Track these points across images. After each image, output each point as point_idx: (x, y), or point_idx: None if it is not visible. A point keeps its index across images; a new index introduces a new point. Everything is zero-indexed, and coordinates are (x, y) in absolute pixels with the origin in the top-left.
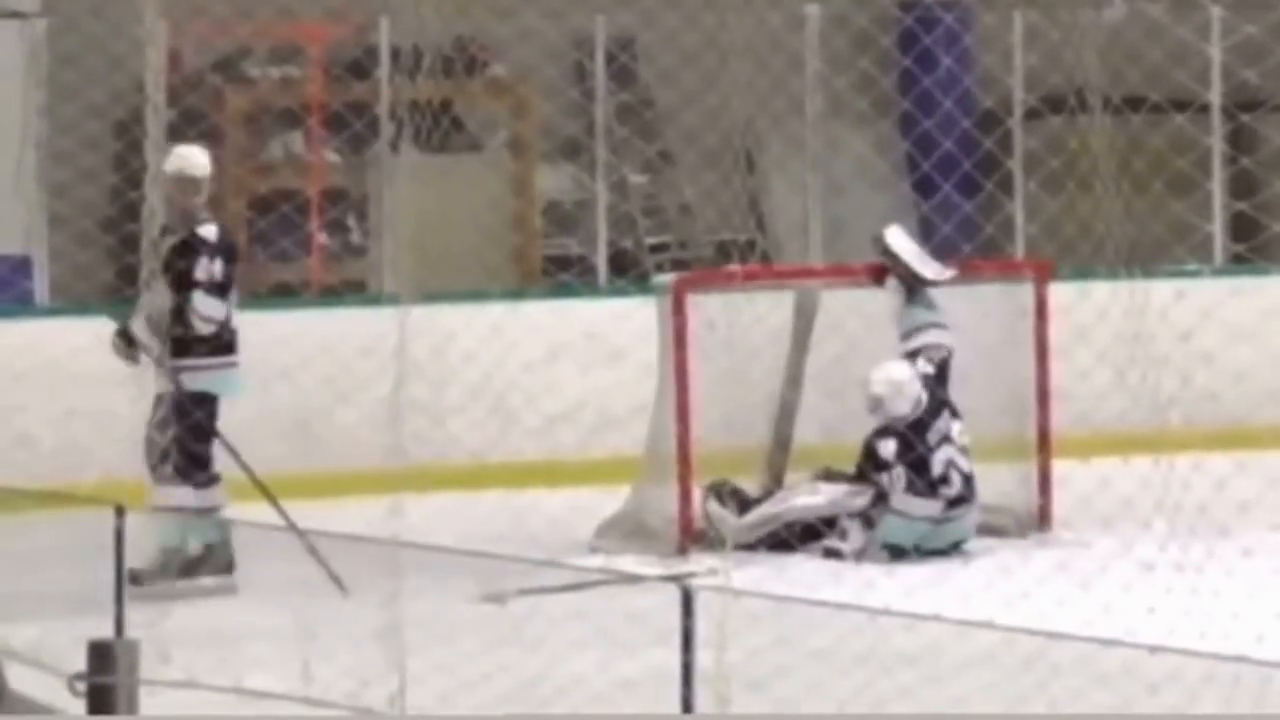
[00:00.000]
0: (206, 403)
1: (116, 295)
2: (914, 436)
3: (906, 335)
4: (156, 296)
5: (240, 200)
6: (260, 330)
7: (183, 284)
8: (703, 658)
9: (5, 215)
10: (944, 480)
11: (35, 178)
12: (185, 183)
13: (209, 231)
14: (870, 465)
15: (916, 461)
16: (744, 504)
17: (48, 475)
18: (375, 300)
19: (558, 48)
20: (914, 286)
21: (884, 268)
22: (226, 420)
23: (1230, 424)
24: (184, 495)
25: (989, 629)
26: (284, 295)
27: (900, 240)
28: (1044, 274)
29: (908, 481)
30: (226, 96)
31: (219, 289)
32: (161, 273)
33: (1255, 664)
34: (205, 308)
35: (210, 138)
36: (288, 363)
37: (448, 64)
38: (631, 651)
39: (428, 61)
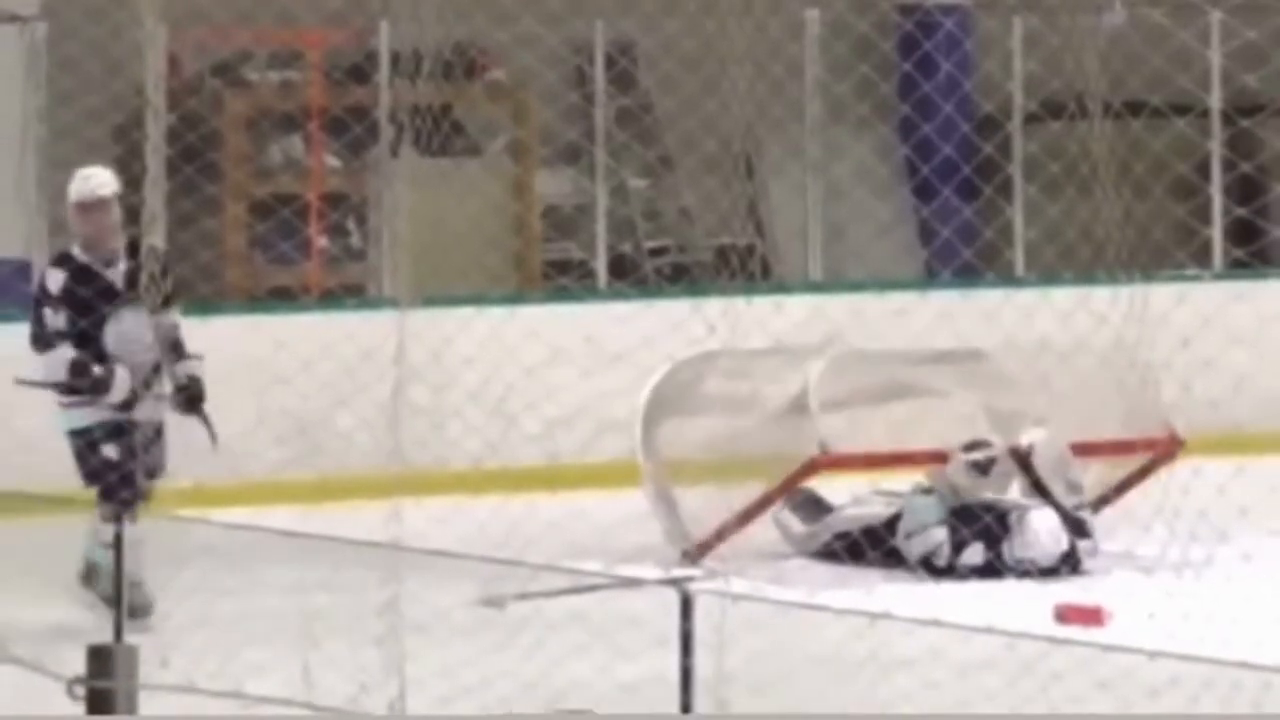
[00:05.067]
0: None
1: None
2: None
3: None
4: (124, 323)
5: (240, 204)
6: (260, 334)
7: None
8: (702, 662)
9: (5, 220)
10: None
11: (35, 182)
12: (95, 205)
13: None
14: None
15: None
16: (820, 512)
17: (47, 479)
18: (375, 304)
19: (557, 52)
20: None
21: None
22: (228, 426)
23: (1230, 429)
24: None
25: (989, 633)
26: (283, 299)
27: (1045, 458)
28: (1173, 451)
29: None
30: (226, 101)
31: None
32: (134, 299)
33: (1255, 669)
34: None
35: (210, 142)
36: (287, 367)
37: (447, 68)
38: (631, 655)
39: (427, 66)
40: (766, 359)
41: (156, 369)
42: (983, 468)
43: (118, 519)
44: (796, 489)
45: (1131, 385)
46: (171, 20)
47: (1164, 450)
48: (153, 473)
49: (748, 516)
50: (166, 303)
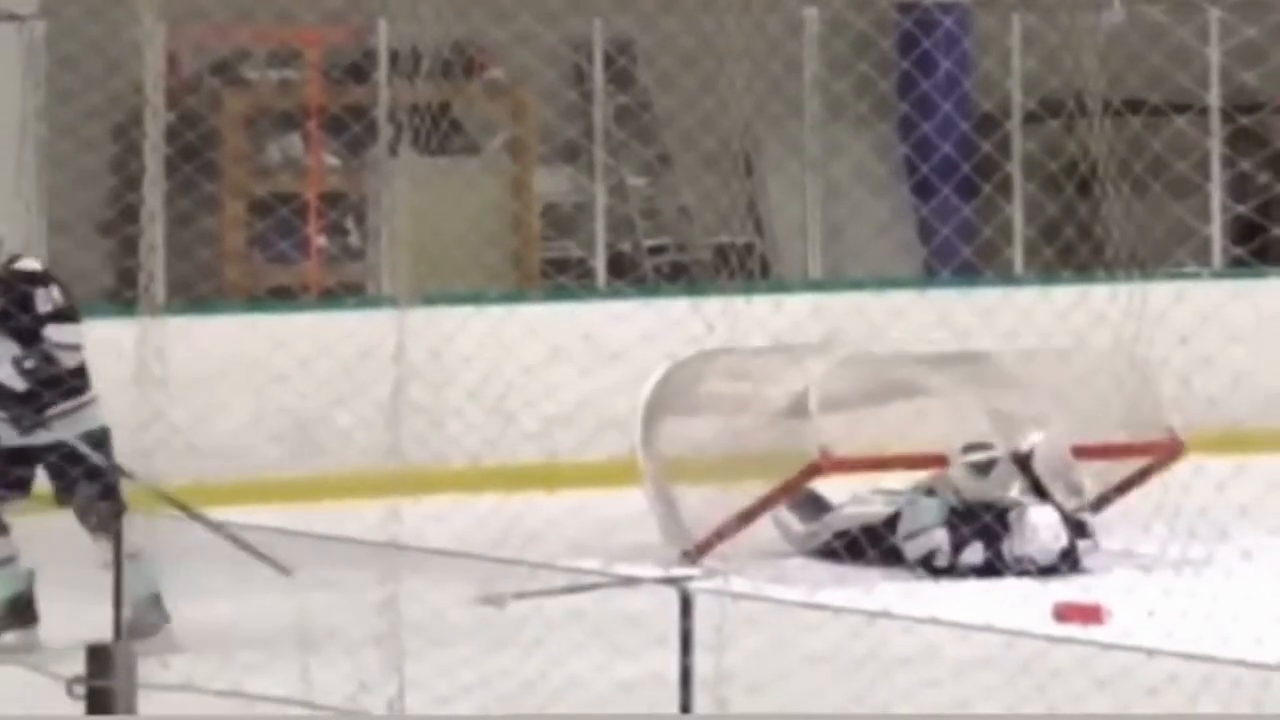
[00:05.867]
0: None
1: (116, 298)
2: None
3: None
4: None
5: (238, 203)
6: (258, 333)
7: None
8: (701, 660)
9: (3, 218)
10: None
11: (34, 180)
12: None
13: (26, 263)
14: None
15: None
16: (820, 511)
17: (45, 478)
18: (374, 303)
19: (556, 51)
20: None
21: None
22: (226, 424)
23: (1229, 427)
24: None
25: (987, 632)
26: (282, 298)
27: (1046, 461)
28: (1175, 454)
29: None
30: (225, 99)
31: (67, 314)
32: None
33: (1254, 667)
34: (63, 335)
35: (208, 140)
36: (286, 365)
37: (446, 67)
38: (630, 654)
39: (426, 64)
40: (766, 358)
41: (30, 396)
42: (983, 469)
43: None
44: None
45: (1131, 386)
46: (170, 19)
47: (1165, 454)
48: (71, 494)
49: (747, 518)
50: (47, 321)
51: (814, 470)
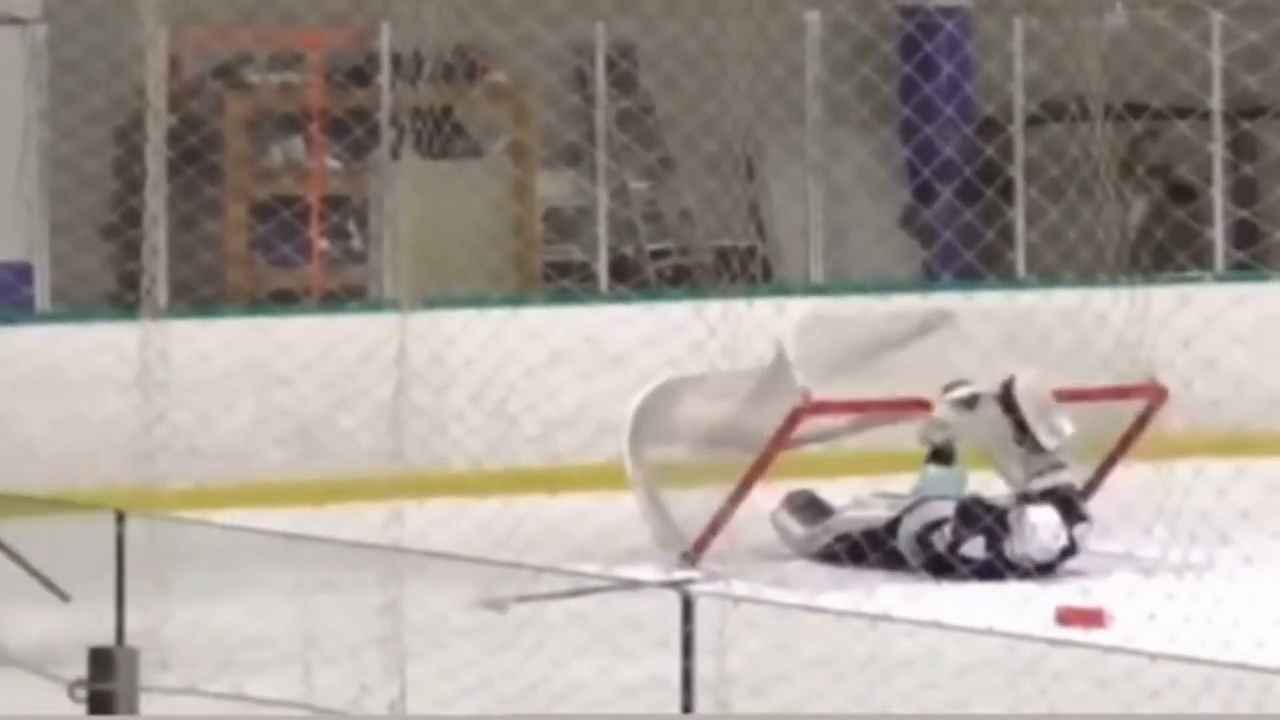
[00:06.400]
0: None
1: (117, 302)
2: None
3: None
4: None
5: (240, 206)
6: (261, 336)
7: None
8: (703, 663)
9: (6, 221)
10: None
11: (36, 184)
12: None
13: None
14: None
15: None
16: (820, 515)
17: (48, 481)
18: (376, 306)
19: (558, 54)
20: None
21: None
22: (228, 427)
23: (1231, 431)
24: None
25: (989, 635)
26: (284, 301)
27: (1028, 396)
28: (1158, 400)
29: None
30: (227, 102)
31: None
32: None
33: (1256, 670)
34: None
35: (210, 144)
36: (288, 369)
37: (448, 70)
38: (632, 657)
39: (428, 67)
40: (745, 381)
41: None
42: (969, 404)
43: None
44: (796, 491)
45: (1105, 340)
46: (172, 22)
47: (1149, 397)
48: None
49: (739, 495)
50: None
51: (797, 414)
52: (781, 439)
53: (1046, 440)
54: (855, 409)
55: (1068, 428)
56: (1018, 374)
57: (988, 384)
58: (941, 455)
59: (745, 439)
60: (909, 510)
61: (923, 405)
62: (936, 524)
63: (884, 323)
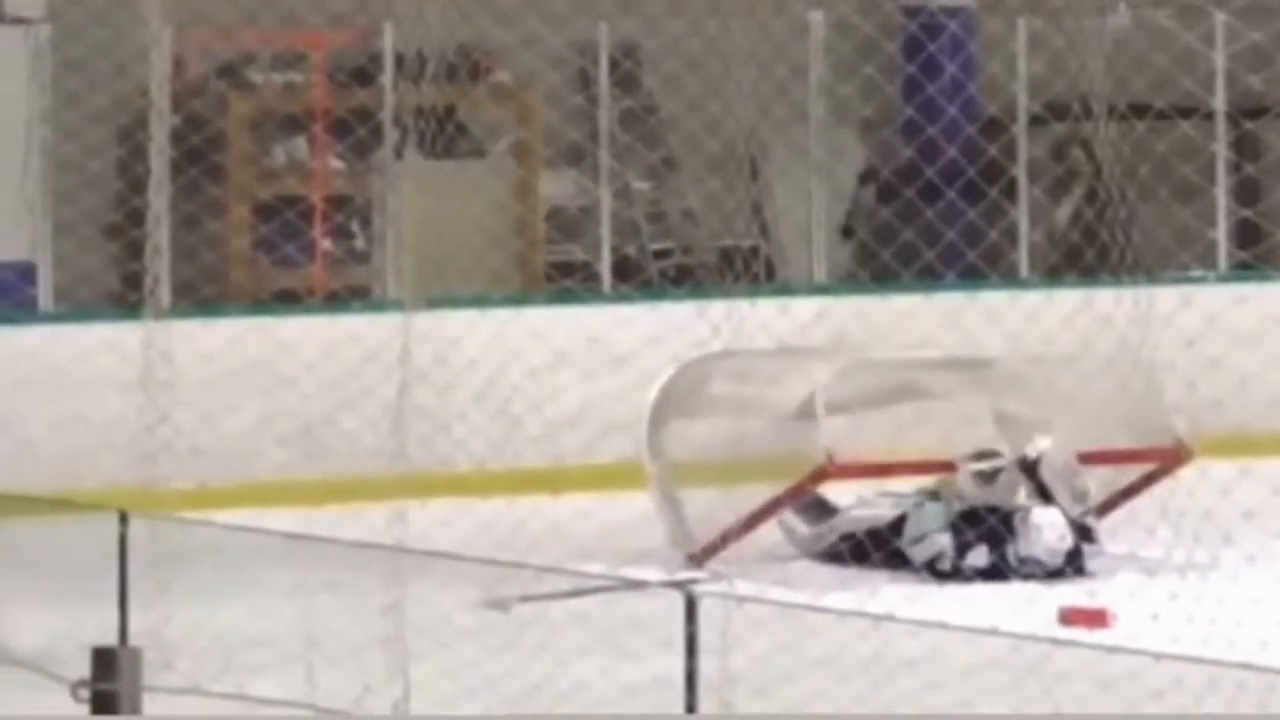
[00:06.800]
0: None
1: (120, 302)
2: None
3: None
4: None
5: (244, 206)
6: (264, 336)
7: None
8: (706, 664)
9: (9, 221)
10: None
11: (39, 183)
12: None
13: None
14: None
15: None
16: (825, 514)
17: (50, 481)
18: (379, 306)
19: (561, 54)
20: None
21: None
22: (231, 427)
23: (1234, 431)
24: None
25: (993, 635)
26: (288, 301)
27: (1051, 467)
28: (1179, 463)
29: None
30: (230, 102)
31: None
32: None
33: (1259, 670)
34: None
35: (214, 144)
36: (292, 369)
37: (452, 70)
38: (635, 657)
39: (432, 67)
40: (772, 360)
41: None
42: (989, 477)
43: None
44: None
45: (1136, 390)
46: (175, 22)
47: (1170, 460)
48: None
49: (753, 522)
50: None
51: (821, 475)
52: (798, 492)
53: (1071, 509)
54: (879, 471)
55: (1091, 491)
56: (1039, 442)
57: (1009, 452)
58: (938, 495)
59: (767, 445)
60: (904, 520)
61: (946, 466)
62: (938, 556)
63: (922, 367)
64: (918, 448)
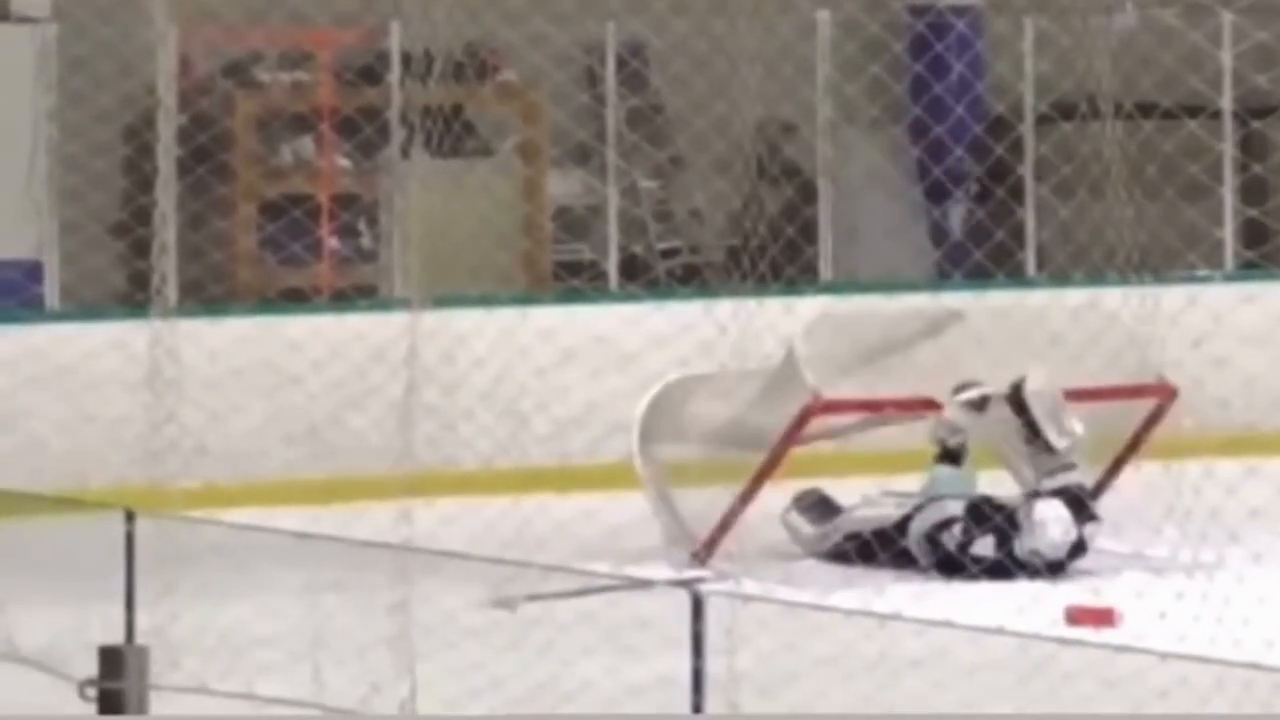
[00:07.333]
0: None
1: (127, 301)
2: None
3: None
4: None
5: (250, 205)
6: (271, 335)
7: None
8: (712, 663)
9: (16, 220)
10: None
11: (46, 183)
12: None
13: None
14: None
15: None
16: (829, 514)
17: (58, 480)
18: (386, 305)
19: (569, 53)
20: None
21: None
22: (238, 426)
23: (1241, 429)
24: None
25: (999, 634)
26: (294, 300)
27: (1038, 397)
28: (1168, 399)
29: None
30: (237, 101)
31: None
32: None
33: (1266, 670)
34: None
35: (221, 142)
36: (298, 368)
37: (459, 69)
38: (641, 657)
39: (439, 66)
40: (755, 380)
41: None
42: (978, 406)
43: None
44: (806, 490)
45: (1114, 340)
46: (182, 21)
47: (1160, 396)
48: None
49: (749, 493)
50: None
51: (807, 414)
52: (791, 437)
53: (1057, 441)
54: (865, 408)
55: (1078, 428)
56: (1027, 375)
57: (997, 385)
58: (950, 455)
59: (755, 437)
60: (919, 509)
61: (933, 405)
62: (946, 523)
63: (894, 322)
64: (902, 390)
